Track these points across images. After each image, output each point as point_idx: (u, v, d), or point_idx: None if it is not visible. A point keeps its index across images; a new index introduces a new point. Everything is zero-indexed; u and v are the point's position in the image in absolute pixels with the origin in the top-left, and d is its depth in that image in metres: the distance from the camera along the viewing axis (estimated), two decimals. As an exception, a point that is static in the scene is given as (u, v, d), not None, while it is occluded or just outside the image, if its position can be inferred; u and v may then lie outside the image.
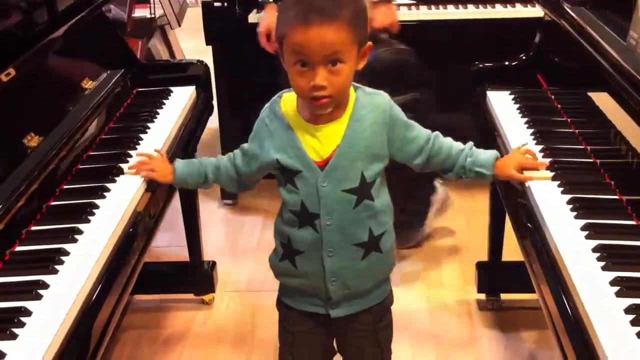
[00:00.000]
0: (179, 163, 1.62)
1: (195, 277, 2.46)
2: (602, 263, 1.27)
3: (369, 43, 1.38)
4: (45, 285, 1.27)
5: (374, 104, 1.43)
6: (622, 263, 1.27)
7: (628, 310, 1.16)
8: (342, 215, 1.43)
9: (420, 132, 1.50)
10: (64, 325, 1.19)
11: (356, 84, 1.45)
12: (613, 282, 1.22)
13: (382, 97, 1.46)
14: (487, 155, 1.54)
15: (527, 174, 1.57)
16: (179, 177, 1.60)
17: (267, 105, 1.48)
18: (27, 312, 1.20)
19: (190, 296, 2.46)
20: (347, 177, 1.42)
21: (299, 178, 1.43)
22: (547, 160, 1.62)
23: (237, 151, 1.55)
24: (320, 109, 1.37)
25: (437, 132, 1.52)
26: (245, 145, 1.52)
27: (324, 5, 1.28)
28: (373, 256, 1.48)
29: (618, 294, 1.20)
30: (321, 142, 1.42)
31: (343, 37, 1.29)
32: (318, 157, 1.42)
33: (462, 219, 2.94)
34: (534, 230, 1.46)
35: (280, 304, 1.61)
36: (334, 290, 1.49)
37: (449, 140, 1.53)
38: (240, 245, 2.84)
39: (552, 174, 1.58)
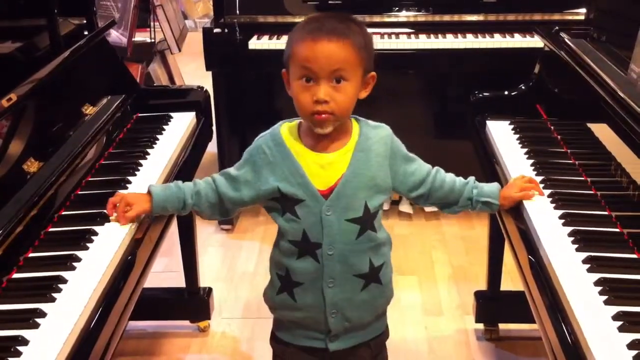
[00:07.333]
0: (156, 188, 1.53)
1: (191, 303, 2.43)
2: (605, 297, 1.26)
3: (373, 73, 1.42)
4: (42, 314, 1.25)
5: (378, 135, 1.45)
6: (625, 297, 1.26)
7: (631, 346, 1.15)
8: (345, 245, 1.42)
9: (421, 165, 1.51)
10: (60, 354, 1.17)
11: (359, 117, 1.46)
12: (616, 317, 1.21)
13: (384, 130, 1.47)
14: (491, 186, 1.57)
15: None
16: (157, 203, 1.52)
17: (264, 133, 1.46)
18: (24, 341, 1.18)
19: (186, 323, 2.44)
20: (351, 206, 1.41)
21: (301, 207, 1.42)
22: (547, 192, 1.62)
23: (217, 177, 1.49)
24: (321, 125, 1.37)
25: (438, 167, 1.53)
26: (231, 171, 1.47)
27: (335, 26, 1.35)
28: (373, 287, 1.47)
29: (621, 329, 1.19)
30: (326, 171, 1.41)
31: (348, 56, 1.34)
32: (322, 186, 1.41)
33: (460, 247, 2.93)
34: (535, 262, 1.45)
35: (275, 340, 1.57)
36: (333, 323, 1.47)
37: (451, 175, 1.54)
38: (237, 271, 2.82)
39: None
